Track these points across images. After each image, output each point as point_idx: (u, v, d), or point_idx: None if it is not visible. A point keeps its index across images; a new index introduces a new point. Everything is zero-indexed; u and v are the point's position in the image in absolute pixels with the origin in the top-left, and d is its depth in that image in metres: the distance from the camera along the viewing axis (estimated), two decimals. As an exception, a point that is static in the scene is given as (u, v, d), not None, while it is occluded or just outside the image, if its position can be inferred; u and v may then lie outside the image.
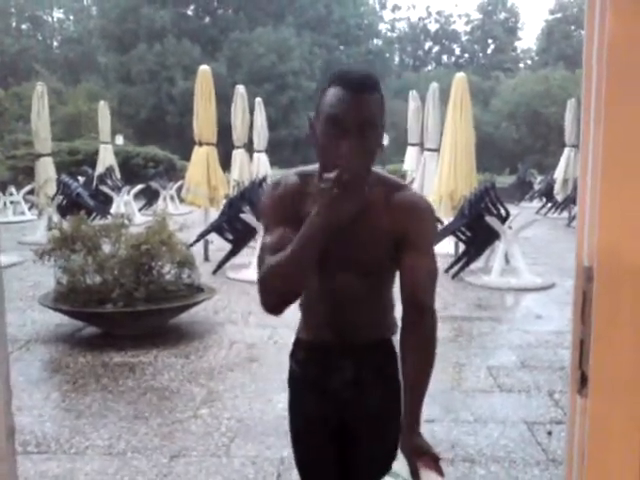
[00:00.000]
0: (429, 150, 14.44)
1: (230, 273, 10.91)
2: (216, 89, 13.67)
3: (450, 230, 11.55)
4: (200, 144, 13.25)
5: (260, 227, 2.47)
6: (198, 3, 52.04)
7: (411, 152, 17.83)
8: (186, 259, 7.72)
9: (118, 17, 47.94)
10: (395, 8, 68.90)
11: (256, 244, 10.21)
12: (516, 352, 7.09)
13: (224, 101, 17.62)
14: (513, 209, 12.77)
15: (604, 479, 1.34)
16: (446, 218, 12.48)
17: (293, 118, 42.83)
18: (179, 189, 18.05)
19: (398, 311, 2.41)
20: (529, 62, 65.37)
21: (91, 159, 24.94)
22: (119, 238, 7.64)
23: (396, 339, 2.43)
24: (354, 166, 2.04)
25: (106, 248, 7.64)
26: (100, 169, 21.36)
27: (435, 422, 5.12)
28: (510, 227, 10.83)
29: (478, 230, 11.00)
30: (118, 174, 21.96)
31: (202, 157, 13.16)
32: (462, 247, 11.56)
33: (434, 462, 2.20)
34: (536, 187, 25.35)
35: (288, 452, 4.49)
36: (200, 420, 5.27)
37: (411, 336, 2.25)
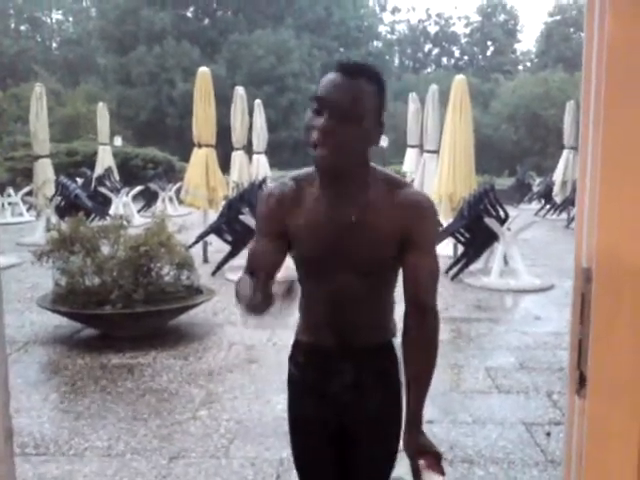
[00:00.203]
0: (429, 152, 14.44)
1: (229, 274, 10.90)
2: (215, 91, 13.67)
3: (449, 231, 11.55)
4: (199, 146, 13.25)
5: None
6: (197, 5, 52.03)
7: (411, 154, 17.82)
8: (185, 260, 7.72)
9: (117, 19, 47.93)
10: (395, 10, 68.85)
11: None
12: (515, 353, 7.09)
13: (223, 103, 17.61)
14: (512, 211, 12.76)
15: (603, 479, 1.34)
16: (445, 220, 12.48)
17: (293, 120, 42.82)
18: (178, 191, 18.03)
19: (397, 313, 2.42)
20: (528, 64, 65.36)
21: (90, 160, 24.93)
22: (118, 239, 7.64)
23: (396, 341, 2.43)
24: (327, 144, 2.09)
25: (105, 249, 7.63)
26: (99, 170, 21.34)
27: (434, 423, 5.12)
28: (509, 229, 10.82)
29: (477, 232, 11.00)
30: (117, 175, 21.95)
31: (201, 159, 13.15)
32: (461, 248, 11.56)
33: (436, 461, 2.20)
34: (535, 189, 25.33)
35: (287, 453, 4.50)
36: (199, 421, 5.27)
37: (414, 336, 2.25)
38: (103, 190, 18.73)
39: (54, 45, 61.26)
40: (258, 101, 19.31)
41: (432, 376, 2.27)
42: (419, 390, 2.26)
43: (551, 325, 8.19)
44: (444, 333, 7.55)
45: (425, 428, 2.26)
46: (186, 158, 15.41)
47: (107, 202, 18.17)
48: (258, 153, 18.43)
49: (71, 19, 62.25)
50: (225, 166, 15.38)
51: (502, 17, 65.06)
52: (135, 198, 20.60)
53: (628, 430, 1.31)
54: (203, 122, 13.19)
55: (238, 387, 6.01)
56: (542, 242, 15.23)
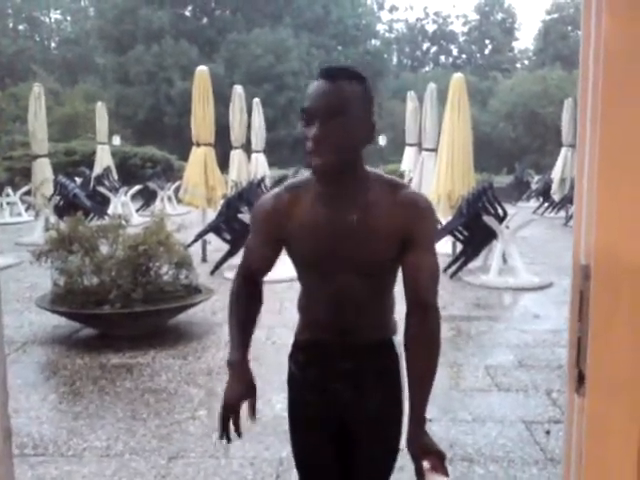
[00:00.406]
0: (427, 150, 14.44)
1: (228, 274, 10.89)
2: (214, 90, 13.66)
3: (448, 230, 11.55)
4: (198, 144, 13.24)
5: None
6: (196, 4, 52.00)
7: (409, 152, 17.83)
8: (184, 260, 7.71)
9: (116, 18, 47.90)
10: (393, 9, 68.93)
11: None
12: (514, 351, 7.09)
13: (222, 102, 17.62)
14: (510, 209, 12.76)
15: (602, 476, 1.34)
16: (444, 218, 12.48)
17: (291, 118, 42.81)
18: (177, 190, 18.04)
19: (398, 311, 2.41)
20: (526, 62, 65.41)
21: (88, 160, 24.93)
22: (116, 239, 7.63)
23: (397, 339, 2.43)
24: (322, 152, 2.11)
25: (103, 249, 7.63)
26: (97, 170, 21.34)
27: (433, 421, 5.12)
28: (508, 227, 10.83)
29: (476, 230, 11.01)
30: (115, 175, 21.95)
31: (200, 157, 13.15)
32: (460, 247, 11.56)
33: (440, 461, 2.20)
34: (533, 187, 25.34)
35: (287, 453, 4.50)
36: (198, 421, 5.27)
37: (416, 335, 2.25)
38: (102, 189, 18.74)
39: (52, 45, 61.26)
40: (257, 100, 19.31)
41: (435, 375, 2.27)
42: (422, 390, 2.26)
43: (550, 323, 8.18)
44: (443, 331, 7.54)
45: (425, 425, 2.26)
46: (185, 157, 15.41)
47: (106, 201, 18.18)
48: (257, 152, 18.44)
49: (69, 18, 62.24)
50: (224, 165, 15.38)
51: (500, 15, 65.12)
52: (134, 197, 20.60)
53: (627, 427, 1.31)
54: (202, 121, 13.18)
55: (237, 386, 6.00)
56: (541, 240, 15.23)
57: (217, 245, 11.99)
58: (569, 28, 56.83)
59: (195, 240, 11.72)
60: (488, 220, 10.64)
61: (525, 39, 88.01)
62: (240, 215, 11.20)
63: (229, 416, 2.42)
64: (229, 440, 2.46)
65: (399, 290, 2.35)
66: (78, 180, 19.28)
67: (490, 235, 10.83)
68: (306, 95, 2.18)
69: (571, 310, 1.38)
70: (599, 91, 1.28)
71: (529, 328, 7.99)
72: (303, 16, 50.66)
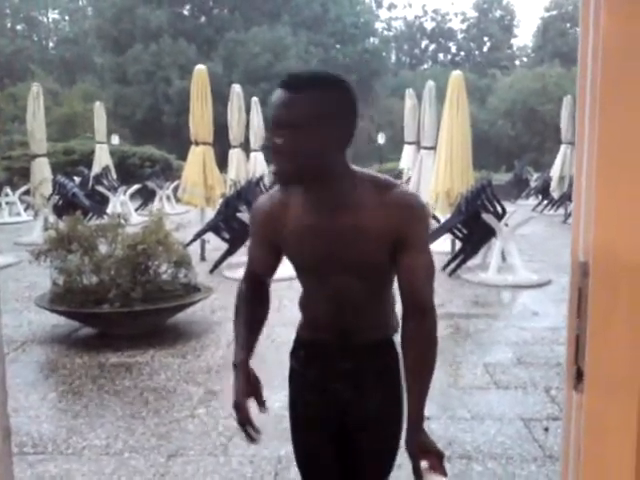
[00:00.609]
0: (426, 148, 14.44)
1: (227, 272, 10.90)
2: (212, 89, 13.65)
3: (447, 228, 11.55)
4: (196, 144, 13.23)
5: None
6: (194, 3, 52.00)
7: (408, 150, 17.82)
8: (183, 259, 7.71)
9: (114, 17, 47.88)
10: (391, 6, 68.78)
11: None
12: (512, 349, 7.09)
13: (220, 100, 17.63)
14: (509, 206, 12.78)
15: (600, 474, 1.34)
16: (443, 216, 12.49)
17: (290, 117, 42.77)
18: (175, 189, 18.04)
19: (399, 308, 2.41)
20: (525, 60, 65.46)
21: (87, 159, 24.92)
22: (115, 238, 7.63)
23: (397, 338, 2.43)
24: (278, 161, 2.13)
25: (102, 248, 7.63)
26: (96, 169, 21.33)
27: (432, 419, 5.12)
28: (506, 224, 10.83)
29: (475, 227, 11.01)
30: (114, 174, 21.93)
31: (198, 157, 13.14)
32: (459, 244, 11.56)
33: (438, 461, 2.19)
34: (532, 184, 25.34)
35: (285, 451, 4.50)
36: (197, 419, 5.27)
37: (412, 335, 2.24)
38: (100, 189, 18.74)
39: (51, 44, 61.26)
40: (255, 99, 19.31)
41: (432, 375, 2.26)
42: (420, 389, 2.25)
43: (549, 320, 8.19)
44: (442, 329, 7.56)
45: (423, 424, 2.26)
46: (183, 156, 15.41)
47: (105, 201, 18.17)
48: (255, 151, 18.44)
49: (67, 18, 62.23)
50: (222, 164, 15.38)
51: (498, 13, 65.12)
52: (133, 197, 20.60)
53: (625, 424, 1.31)
54: (200, 120, 13.18)
55: (236, 385, 6.00)
56: (540, 238, 15.23)
57: (216, 244, 11.98)
58: (568, 25, 56.85)
59: (194, 239, 11.71)
60: (487, 218, 10.64)
61: (524, 36, 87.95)
62: (239, 214, 11.19)
63: (241, 416, 2.50)
64: (252, 439, 2.52)
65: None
66: (77, 179, 19.27)
67: (489, 233, 10.83)
68: None
69: (570, 307, 1.38)
70: (598, 88, 1.28)
71: (528, 325, 7.99)
72: (301, 14, 50.65)
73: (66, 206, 14.40)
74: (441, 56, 66.61)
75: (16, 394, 5.64)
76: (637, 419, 1.30)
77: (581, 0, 1.35)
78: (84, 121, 34.74)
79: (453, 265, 10.97)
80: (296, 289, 2.60)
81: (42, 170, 15.64)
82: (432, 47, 67.36)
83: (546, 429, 5.03)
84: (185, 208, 16.96)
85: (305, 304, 2.52)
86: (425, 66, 64.24)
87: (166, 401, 5.67)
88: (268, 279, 2.60)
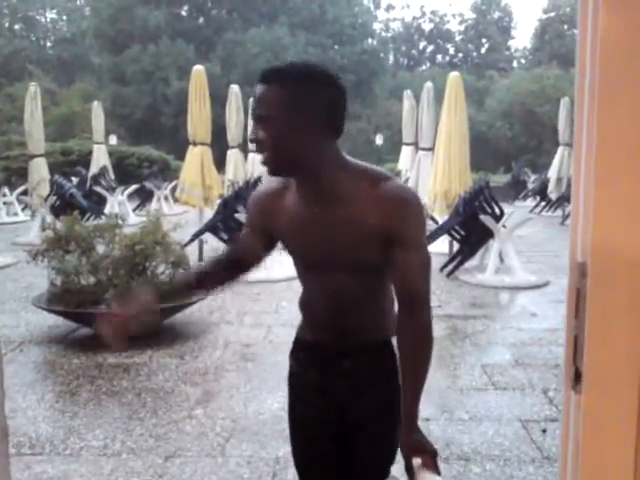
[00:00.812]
0: (424, 149, 14.47)
1: (225, 273, 10.89)
2: (210, 89, 13.67)
3: (445, 229, 11.56)
4: (194, 144, 13.25)
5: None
6: (192, 3, 51.95)
7: (406, 151, 17.85)
8: (180, 259, 7.71)
9: (112, 17, 47.83)
10: (389, 8, 68.74)
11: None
12: (510, 350, 7.10)
13: (218, 101, 17.62)
14: (507, 208, 12.79)
15: (599, 474, 1.34)
16: (441, 217, 12.51)
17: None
18: (173, 189, 18.05)
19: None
20: (523, 61, 65.44)
21: (85, 159, 24.93)
22: (113, 238, 7.63)
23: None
24: (261, 153, 2.18)
25: (100, 248, 7.63)
26: (94, 169, 21.35)
27: (430, 420, 5.13)
28: (504, 226, 10.84)
29: (472, 229, 11.02)
30: (112, 174, 21.96)
31: (196, 157, 13.16)
32: (457, 246, 11.57)
33: (432, 460, 2.18)
34: (530, 186, 25.36)
35: (283, 452, 4.51)
36: (195, 420, 5.27)
37: (407, 332, 2.22)
38: (98, 189, 18.73)
39: (48, 44, 61.18)
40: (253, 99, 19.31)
41: (427, 372, 2.25)
42: (414, 387, 2.24)
43: (546, 322, 8.19)
44: (440, 330, 7.59)
45: (421, 425, 2.25)
46: (181, 156, 15.42)
47: (102, 201, 18.17)
48: (253, 151, 18.42)
49: (65, 18, 62.13)
50: (220, 164, 15.39)
51: (496, 14, 65.14)
52: (130, 197, 20.58)
53: (624, 425, 1.31)
54: (198, 120, 13.19)
55: (234, 386, 6.01)
56: (537, 239, 15.24)
57: (214, 245, 11.98)
58: (566, 27, 56.87)
59: (192, 240, 11.71)
60: (485, 219, 10.64)
61: (522, 38, 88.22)
62: (237, 215, 11.18)
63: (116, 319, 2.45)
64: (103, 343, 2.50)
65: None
66: (75, 180, 19.29)
67: (487, 234, 10.84)
68: None
69: (568, 308, 1.38)
70: (596, 90, 1.28)
71: (526, 327, 8.00)
72: (299, 15, 50.63)
73: (64, 206, 14.41)
74: (439, 57, 66.60)
75: (14, 395, 5.64)
76: (636, 420, 1.30)
77: (579, 1, 1.35)
78: (82, 121, 34.70)
79: (451, 266, 10.97)
80: (294, 290, 2.61)
81: (40, 170, 15.64)
82: (430, 48, 67.35)
83: (544, 430, 5.03)
84: (183, 208, 16.97)
85: (304, 303, 2.52)
86: (423, 67, 64.23)
87: (164, 402, 5.67)
88: (247, 260, 2.60)
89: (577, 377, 1.35)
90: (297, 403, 2.58)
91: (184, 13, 52.35)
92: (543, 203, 21.23)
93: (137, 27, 46.85)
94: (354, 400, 2.42)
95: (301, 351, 2.56)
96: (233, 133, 16.57)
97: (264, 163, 2.19)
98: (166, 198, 21.65)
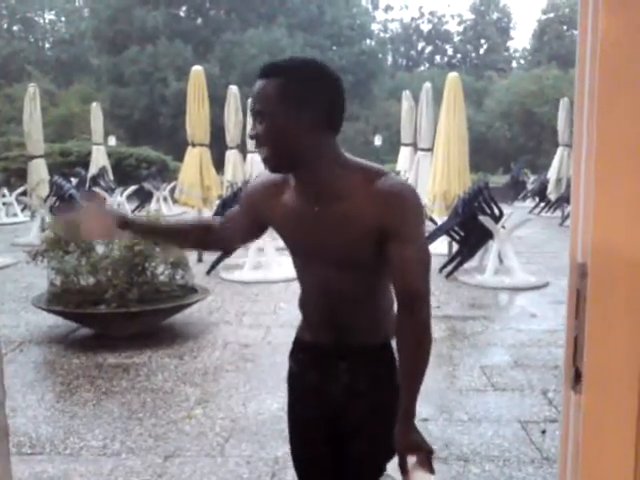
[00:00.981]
0: (422, 150, 14.48)
1: (224, 274, 10.91)
2: (209, 90, 13.66)
3: (444, 230, 11.56)
4: (193, 145, 13.25)
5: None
6: (190, 4, 51.91)
7: (404, 152, 17.82)
8: (179, 260, 7.71)
9: (110, 18, 47.81)
10: (387, 8, 68.93)
11: (250, 245, 10.23)
12: (510, 351, 7.10)
13: (217, 102, 17.59)
14: (506, 208, 12.79)
15: (599, 475, 1.35)
16: (440, 218, 12.51)
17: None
18: (172, 190, 18.07)
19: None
20: (522, 62, 65.42)
21: (84, 160, 24.95)
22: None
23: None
24: (259, 148, 2.19)
25: (99, 249, 7.63)
26: (93, 170, 21.36)
27: (429, 421, 5.13)
28: (503, 226, 10.84)
29: (472, 229, 11.01)
30: (111, 175, 21.97)
31: (195, 158, 13.15)
32: (456, 247, 11.57)
33: (427, 459, 2.16)
34: (529, 187, 25.38)
35: (282, 452, 4.51)
36: (194, 420, 5.27)
37: (405, 329, 2.20)
38: (97, 190, 18.72)
39: (47, 45, 61.14)
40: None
41: (425, 370, 2.22)
42: (412, 385, 2.22)
43: (546, 323, 8.19)
44: (439, 331, 7.60)
45: (420, 426, 2.25)
46: (180, 157, 15.40)
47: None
48: (252, 152, 18.42)
49: (64, 19, 62.08)
50: (219, 165, 15.38)
51: (495, 15, 65.15)
52: (129, 198, 20.60)
53: (624, 425, 1.31)
54: (197, 121, 13.19)
55: (233, 386, 6.01)
56: (536, 240, 15.25)
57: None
58: (565, 27, 56.88)
59: (191, 240, 11.69)
60: (484, 220, 10.64)
61: (521, 38, 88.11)
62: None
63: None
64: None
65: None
66: (74, 181, 19.32)
67: (486, 235, 10.84)
68: None
69: (568, 308, 1.38)
70: (596, 90, 1.29)
71: (525, 328, 8.00)
72: (297, 16, 50.62)
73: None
74: (438, 58, 66.58)
75: (14, 394, 5.64)
76: (636, 420, 1.30)
77: (579, 2, 1.35)
78: (81, 122, 34.70)
79: (450, 267, 10.97)
80: (292, 291, 2.62)
81: (39, 171, 15.63)
82: (429, 49, 67.34)
83: (543, 431, 5.03)
84: (182, 209, 16.96)
85: (303, 303, 2.52)
86: (422, 68, 64.20)
87: (163, 402, 5.67)
88: (226, 238, 2.67)
89: (577, 377, 1.36)
90: (296, 404, 2.57)
91: (182, 14, 52.33)
92: (542, 204, 21.24)
93: (135, 28, 46.85)
94: (350, 402, 2.41)
95: (300, 352, 2.56)
96: (232, 134, 16.56)
97: (263, 160, 2.20)
98: (165, 199, 21.66)
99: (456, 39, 66.26)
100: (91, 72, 51.10)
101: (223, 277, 10.76)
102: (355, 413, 2.41)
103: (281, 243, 2.47)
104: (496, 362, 6.78)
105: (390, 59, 64.66)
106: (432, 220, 12.64)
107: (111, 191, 19.25)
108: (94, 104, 23.26)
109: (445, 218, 12.08)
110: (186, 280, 7.83)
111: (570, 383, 1.39)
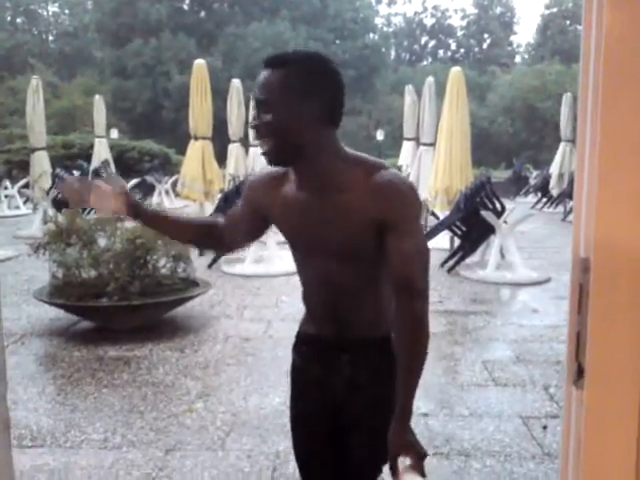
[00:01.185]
0: (425, 145, 14.45)
1: (225, 267, 10.92)
2: (212, 83, 13.67)
3: (446, 224, 11.56)
4: (196, 138, 13.25)
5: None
6: (193, -3, 52.02)
7: (407, 147, 17.80)
8: (181, 253, 7.72)
9: (113, 11, 47.87)
10: (391, 2, 68.76)
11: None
12: (511, 346, 7.10)
13: (220, 95, 17.61)
14: (509, 204, 12.77)
15: (601, 470, 1.34)
16: (442, 213, 12.50)
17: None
18: (174, 183, 18.07)
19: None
20: (525, 57, 65.46)
21: (86, 153, 24.95)
22: (114, 232, 7.64)
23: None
24: (260, 140, 2.19)
25: (101, 242, 7.63)
26: (95, 163, 21.34)
27: (430, 416, 5.13)
28: (506, 221, 10.83)
29: (474, 224, 11.01)
30: (113, 168, 21.93)
31: (198, 151, 13.16)
32: (458, 241, 11.56)
33: (419, 461, 2.12)
34: (532, 182, 25.39)
35: (284, 446, 4.51)
36: (195, 414, 5.27)
37: (401, 320, 2.18)
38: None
39: (50, 38, 61.20)
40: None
41: (422, 366, 2.20)
42: (409, 381, 2.19)
43: (548, 318, 8.19)
44: (440, 326, 7.60)
45: (421, 421, 2.25)
46: (182, 151, 15.41)
47: (103, 195, 18.14)
48: (254, 146, 18.42)
49: (67, 12, 62.14)
50: (221, 159, 15.38)
51: (498, 10, 65.17)
52: (132, 191, 20.50)
53: (626, 420, 1.31)
54: (199, 114, 13.19)
55: (234, 380, 6.01)
56: (539, 235, 15.24)
57: (215, 239, 11.96)
58: (568, 22, 56.86)
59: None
60: (486, 215, 10.64)
61: (524, 33, 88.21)
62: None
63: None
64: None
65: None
66: (76, 173, 19.26)
67: (488, 230, 10.83)
68: None
69: (570, 303, 1.38)
70: (600, 85, 1.28)
71: (527, 323, 8.00)
72: (301, 9, 50.65)
73: (65, 199, 14.39)
74: (441, 53, 66.63)
75: (15, 387, 5.64)
76: (638, 416, 1.30)
77: (584, -3, 1.35)
78: (83, 115, 34.75)
79: (452, 262, 10.97)
80: (294, 285, 2.61)
81: (41, 163, 15.65)
82: (432, 43, 67.37)
83: (545, 427, 5.03)
84: (184, 203, 16.97)
85: (305, 296, 2.52)
86: (425, 62, 64.24)
87: (164, 395, 5.67)
88: (228, 236, 2.63)
89: (579, 373, 1.35)
90: (299, 397, 2.57)
91: (186, 7, 52.37)
92: (544, 199, 21.24)
93: (139, 21, 46.90)
94: (351, 395, 2.41)
95: (304, 345, 2.56)
96: (234, 127, 16.53)
97: (264, 153, 2.20)
98: (167, 192, 21.67)
99: (459, 33, 66.30)
100: (94, 65, 51.15)
101: (225, 270, 10.76)
102: (356, 406, 2.41)
103: (282, 237, 2.47)
104: (498, 357, 6.78)
105: (393, 53, 64.71)
106: (434, 215, 12.64)
107: (113, 184, 19.23)
108: (97, 97, 23.25)
109: (447, 213, 12.07)
110: (188, 273, 7.84)
111: (572, 378, 1.38)
